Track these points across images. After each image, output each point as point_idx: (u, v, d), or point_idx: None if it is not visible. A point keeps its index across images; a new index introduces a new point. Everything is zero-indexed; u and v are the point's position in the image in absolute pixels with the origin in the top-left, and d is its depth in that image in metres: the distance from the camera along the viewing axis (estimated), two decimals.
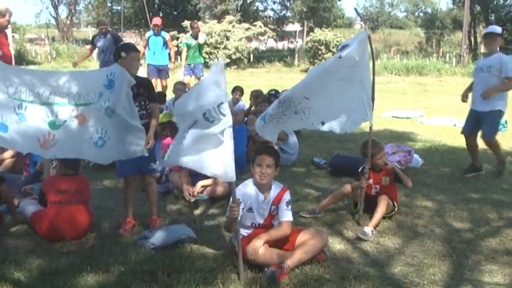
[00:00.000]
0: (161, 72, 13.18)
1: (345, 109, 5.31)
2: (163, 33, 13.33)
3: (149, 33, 13.43)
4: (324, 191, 6.65)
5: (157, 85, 12.63)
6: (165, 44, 13.12)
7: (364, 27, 5.53)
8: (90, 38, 13.02)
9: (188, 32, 16.15)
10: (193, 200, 6.16)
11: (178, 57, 14.03)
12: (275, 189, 4.59)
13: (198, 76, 13.66)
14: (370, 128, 5.53)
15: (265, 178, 4.46)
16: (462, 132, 7.89)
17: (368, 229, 5.18)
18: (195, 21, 16.07)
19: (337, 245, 5.01)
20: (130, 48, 5.27)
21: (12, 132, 4.63)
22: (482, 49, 7.25)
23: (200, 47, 13.79)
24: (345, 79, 5.18)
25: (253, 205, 4.50)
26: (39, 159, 6.47)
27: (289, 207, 4.61)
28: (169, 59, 13.59)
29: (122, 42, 10.13)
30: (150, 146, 5.01)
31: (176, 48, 14.33)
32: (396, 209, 5.70)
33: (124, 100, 4.91)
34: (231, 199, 4.42)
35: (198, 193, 6.32)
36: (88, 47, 13.20)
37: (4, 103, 4.63)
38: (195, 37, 13.58)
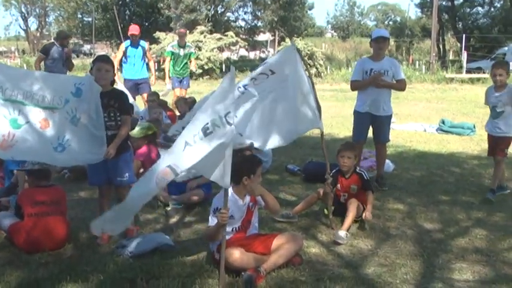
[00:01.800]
0: (142, 86, 11.67)
1: (283, 124, 5.61)
2: (142, 42, 11.85)
3: (126, 43, 11.76)
4: (298, 196, 6.77)
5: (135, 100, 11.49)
6: (145, 54, 11.75)
7: (292, 41, 5.73)
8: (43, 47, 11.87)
9: (160, 42, 15.67)
10: (169, 208, 6.22)
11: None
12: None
13: (185, 89, 12.72)
14: (322, 134, 5.75)
15: None
16: (356, 139, 7.41)
17: (342, 232, 5.30)
18: (184, 28, 15.16)
19: (312, 248, 5.11)
20: (98, 59, 5.35)
21: None
22: (372, 52, 6.97)
23: (187, 57, 12.61)
24: (278, 99, 5.42)
25: (233, 212, 4.58)
26: (13, 168, 6.47)
27: None
28: (148, 70, 12.34)
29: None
30: (108, 156, 4.98)
31: (155, 58, 13.37)
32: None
33: (92, 110, 4.96)
34: (212, 208, 4.57)
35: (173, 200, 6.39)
36: (39, 56, 11.72)
37: None
38: (183, 46, 12.51)
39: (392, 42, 52.93)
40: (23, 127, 4.78)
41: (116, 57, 11.85)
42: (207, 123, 3.99)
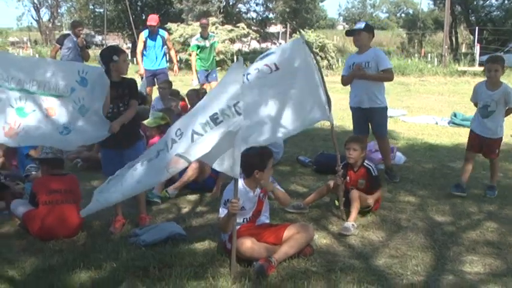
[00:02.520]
0: (160, 77, 11.13)
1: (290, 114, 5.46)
2: (161, 31, 11.36)
3: (145, 33, 11.20)
4: (309, 188, 6.81)
5: (151, 93, 11.42)
6: (164, 44, 11.32)
7: (301, 35, 5.67)
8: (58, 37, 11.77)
9: (171, 33, 15.18)
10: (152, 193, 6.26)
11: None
12: None
13: (214, 81, 12.14)
14: (332, 126, 5.67)
15: None
16: (355, 134, 7.29)
17: (348, 224, 5.33)
18: (206, 18, 14.42)
19: (322, 239, 5.14)
20: (120, 50, 5.40)
21: None
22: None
23: (213, 48, 12.18)
24: (282, 93, 5.34)
25: (245, 203, 4.61)
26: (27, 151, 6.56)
27: (276, 183, 4.92)
28: (169, 60, 11.99)
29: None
30: (113, 130, 5.04)
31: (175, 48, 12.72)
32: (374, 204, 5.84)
33: (101, 103, 5.03)
34: (222, 200, 4.61)
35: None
36: (54, 46, 11.69)
37: None
38: (206, 37, 11.99)
39: (404, 34, 52.66)
40: (29, 115, 4.85)
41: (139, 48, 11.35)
42: (216, 113, 4.01)
